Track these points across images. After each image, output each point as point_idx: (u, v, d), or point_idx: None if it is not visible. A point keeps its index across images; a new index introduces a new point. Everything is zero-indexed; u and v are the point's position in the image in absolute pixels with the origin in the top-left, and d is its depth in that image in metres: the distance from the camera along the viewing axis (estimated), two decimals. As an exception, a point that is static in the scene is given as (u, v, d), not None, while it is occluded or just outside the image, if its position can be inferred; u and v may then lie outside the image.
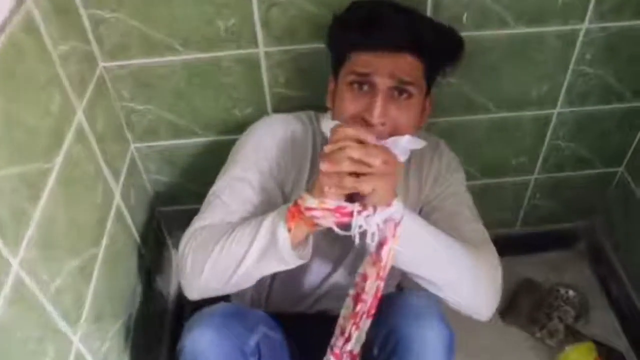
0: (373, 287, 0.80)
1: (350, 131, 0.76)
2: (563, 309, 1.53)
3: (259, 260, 0.85)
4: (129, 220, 1.19)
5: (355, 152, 0.74)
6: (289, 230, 0.81)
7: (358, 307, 0.81)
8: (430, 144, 1.01)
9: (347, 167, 0.75)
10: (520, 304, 1.56)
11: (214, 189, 0.99)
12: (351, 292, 0.85)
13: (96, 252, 0.98)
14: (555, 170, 1.46)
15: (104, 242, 1.02)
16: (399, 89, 0.90)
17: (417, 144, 0.89)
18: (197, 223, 0.95)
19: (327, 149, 0.77)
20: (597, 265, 1.65)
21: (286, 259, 0.84)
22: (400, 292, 0.91)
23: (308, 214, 0.78)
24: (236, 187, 0.97)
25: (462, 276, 0.91)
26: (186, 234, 0.94)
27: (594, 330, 1.51)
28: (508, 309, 1.56)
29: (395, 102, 0.90)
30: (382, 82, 0.89)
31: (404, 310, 0.89)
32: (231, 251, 0.86)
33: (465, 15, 1.09)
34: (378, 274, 0.79)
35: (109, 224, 1.05)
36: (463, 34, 1.03)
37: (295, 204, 0.81)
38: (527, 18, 1.11)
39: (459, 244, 0.91)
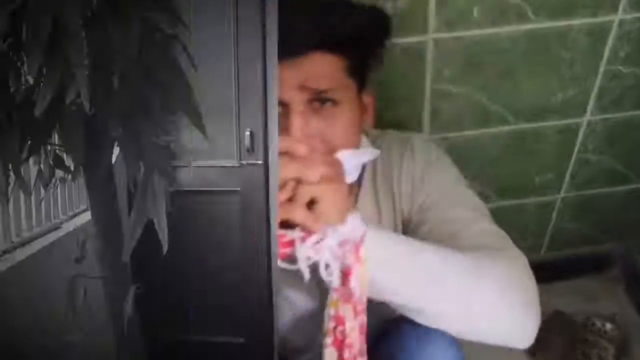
0: (355, 327, 0.69)
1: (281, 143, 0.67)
2: (601, 346, 1.43)
3: None
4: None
5: (292, 170, 0.65)
6: None
7: (346, 354, 0.70)
8: (397, 147, 0.88)
9: (286, 193, 0.65)
10: (552, 341, 1.45)
11: None
12: (328, 340, 0.70)
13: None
14: (585, 188, 1.40)
15: None
16: (319, 99, 0.76)
17: (365, 155, 0.80)
18: None
19: None
20: (635, 291, 1.58)
21: None
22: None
23: None
24: None
25: (476, 293, 0.72)
26: None
27: (638, 367, 1.43)
28: (538, 347, 1.39)
29: (319, 114, 0.76)
30: (293, 99, 0.74)
31: (404, 333, 0.77)
32: None
33: (475, 9, 1.00)
34: (355, 310, 0.68)
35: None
36: (474, 32, 1.01)
37: None
38: (550, 10, 1.03)
39: (459, 253, 0.73)
